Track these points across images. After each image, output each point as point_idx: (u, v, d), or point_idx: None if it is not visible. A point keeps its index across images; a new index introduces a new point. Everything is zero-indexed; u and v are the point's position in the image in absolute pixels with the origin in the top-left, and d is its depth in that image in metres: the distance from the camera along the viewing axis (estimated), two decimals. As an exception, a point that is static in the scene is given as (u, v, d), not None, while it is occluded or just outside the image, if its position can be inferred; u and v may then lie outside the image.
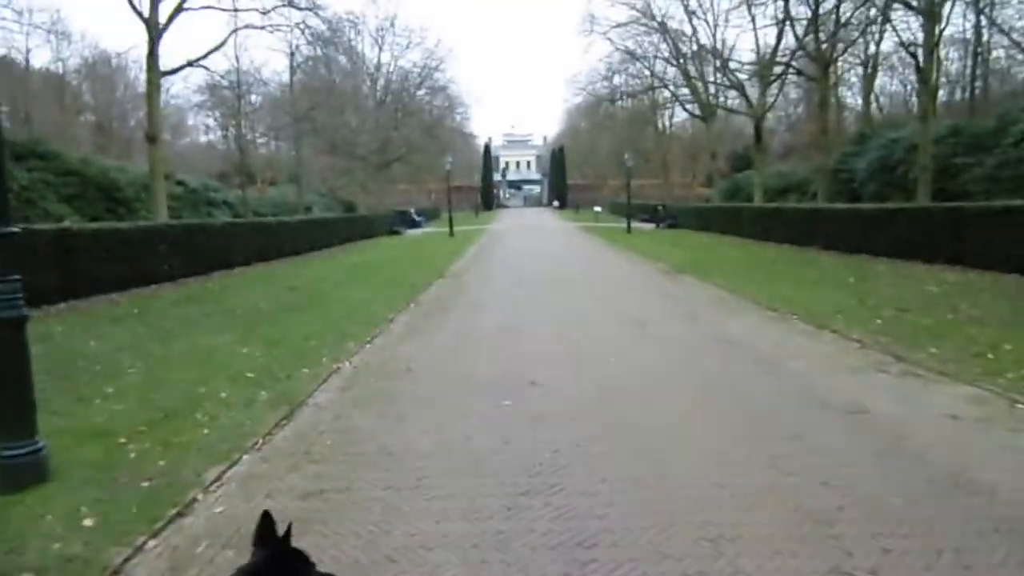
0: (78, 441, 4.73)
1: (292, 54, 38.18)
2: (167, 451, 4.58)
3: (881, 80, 50.25)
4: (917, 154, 25.84)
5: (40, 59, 55.42)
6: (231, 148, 44.29)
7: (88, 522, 3.59)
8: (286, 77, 40.06)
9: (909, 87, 54.21)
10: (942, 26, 24.16)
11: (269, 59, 60.43)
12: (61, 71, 49.66)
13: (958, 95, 45.76)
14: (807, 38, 31.30)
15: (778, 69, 35.59)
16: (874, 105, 50.09)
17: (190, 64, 25.03)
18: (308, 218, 28.85)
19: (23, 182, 18.87)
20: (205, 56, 25.13)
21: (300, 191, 41.00)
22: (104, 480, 4.11)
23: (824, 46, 30.39)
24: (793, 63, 33.62)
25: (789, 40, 36.00)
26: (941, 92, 47.94)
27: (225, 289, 14.15)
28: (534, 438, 4.77)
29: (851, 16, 28.63)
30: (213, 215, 32.30)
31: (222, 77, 30.41)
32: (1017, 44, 31.29)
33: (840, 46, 31.74)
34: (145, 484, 4.05)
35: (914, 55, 23.88)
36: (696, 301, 11.41)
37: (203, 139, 65.37)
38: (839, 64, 36.56)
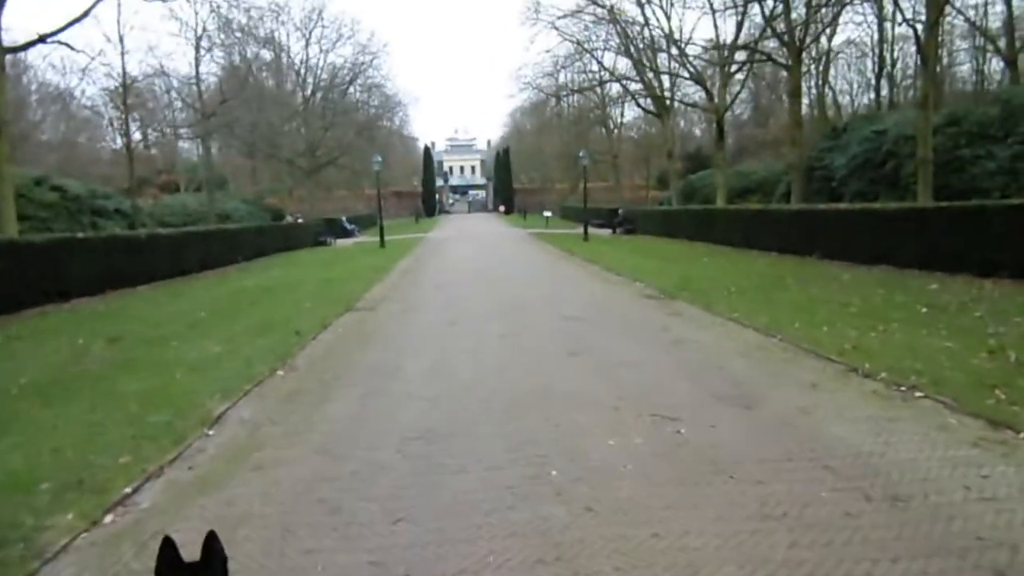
0: None
1: (198, 40, 33.06)
2: None
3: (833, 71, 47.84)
4: (912, 147, 22.88)
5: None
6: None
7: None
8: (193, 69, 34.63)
9: (867, 78, 52.43)
10: (945, -4, 20.99)
11: (174, 49, 54.43)
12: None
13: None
14: (775, 20, 28.04)
15: (742, 56, 32.42)
16: (828, 97, 47.70)
17: (42, 40, 19.94)
18: (196, 230, 23.93)
19: None
20: (63, 30, 20.06)
21: (211, 197, 35.84)
22: None
23: (796, 27, 27.17)
24: (760, 48, 30.36)
25: (752, 27, 33.04)
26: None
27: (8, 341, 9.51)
28: None
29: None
30: (100, 227, 27.20)
31: (106, 65, 25.55)
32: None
33: (814, 27, 28.58)
34: None
35: (914, 28, 20.60)
36: (727, 355, 7.36)
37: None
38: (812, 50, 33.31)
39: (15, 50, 19.37)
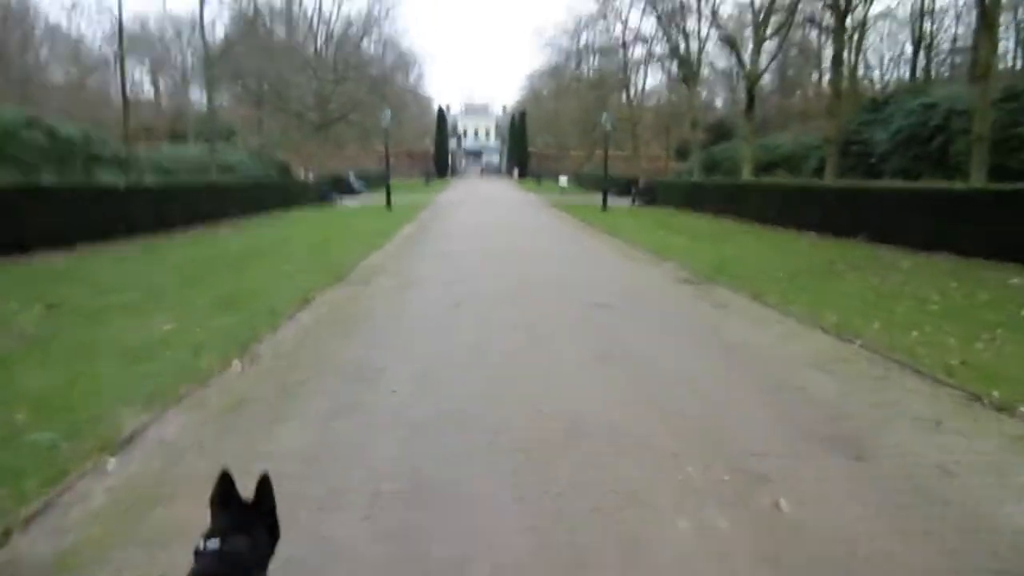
0: None
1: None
2: None
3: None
4: (964, 123, 20.97)
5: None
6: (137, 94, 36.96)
7: None
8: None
9: (898, 52, 49.83)
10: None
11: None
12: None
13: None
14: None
15: (778, 21, 30.20)
16: (861, 69, 45.17)
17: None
18: (184, 183, 22.33)
19: None
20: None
21: (212, 148, 34.14)
22: None
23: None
24: (800, 10, 28.11)
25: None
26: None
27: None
28: None
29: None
30: (93, 175, 25.70)
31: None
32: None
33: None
34: None
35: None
36: (801, 367, 5.78)
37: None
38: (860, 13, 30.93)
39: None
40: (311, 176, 41.31)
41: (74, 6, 35.40)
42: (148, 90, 59.09)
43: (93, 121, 33.97)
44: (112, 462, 3.74)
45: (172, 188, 19.46)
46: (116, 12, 24.92)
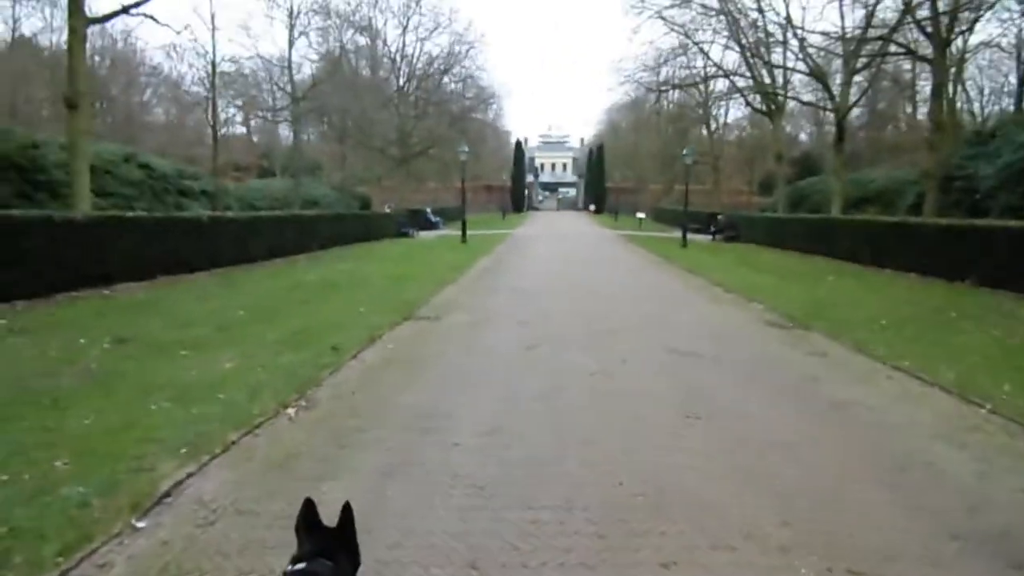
0: None
1: (292, 21, 32.36)
2: None
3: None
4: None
5: None
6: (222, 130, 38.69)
7: None
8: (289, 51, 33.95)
9: (1000, 84, 47.02)
10: None
11: (269, 30, 54.76)
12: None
13: None
14: (917, 3, 24.35)
15: (870, 51, 28.77)
16: (960, 102, 42.61)
17: (125, 11, 19.24)
18: (266, 215, 22.79)
19: None
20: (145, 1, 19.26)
21: (297, 182, 35.27)
22: None
23: (943, 15, 23.49)
24: (896, 39, 26.62)
25: (883, 17, 29.22)
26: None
27: None
28: None
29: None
30: (184, 207, 26.86)
31: (193, 40, 25.03)
32: None
33: (965, 16, 24.71)
34: None
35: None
36: (923, 437, 4.97)
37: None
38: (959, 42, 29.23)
39: (97, 21, 18.71)
40: (389, 208, 42.12)
41: (174, 48, 37.41)
42: (241, 129, 62.07)
43: (188, 157, 35.72)
44: (139, 525, 3.40)
45: (256, 220, 19.90)
46: (210, 53, 26.03)
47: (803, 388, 6.31)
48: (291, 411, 5.36)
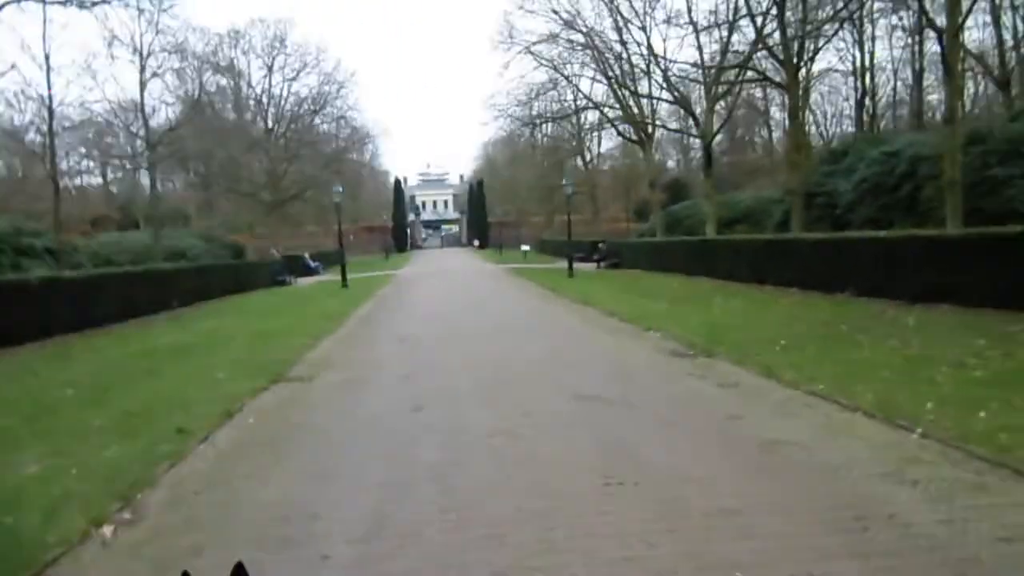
0: None
1: (143, 63, 29.94)
2: None
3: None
4: (930, 168, 20.62)
5: None
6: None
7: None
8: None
9: (839, 108, 51.24)
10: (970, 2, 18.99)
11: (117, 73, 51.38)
12: None
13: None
14: (767, 34, 25.78)
15: (730, 78, 30.18)
16: (809, 124, 45.96)
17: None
18: (114, 271, 20.51)
19: None
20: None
21: (156, 233, 32.49)
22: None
23: (793, 41, 24.93)
24: (751, 66, 28.03)
25: (738, 47, 30.81)
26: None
27: None
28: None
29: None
30: (23, 267, 23.80)
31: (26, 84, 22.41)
32: None
33: (811, 43, 26.38)
34: None
35: (940, 36, 18.28)
36: (867, 478, 4.36)
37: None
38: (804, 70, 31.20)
39: None
40: (276, 252, 39.84)
41: (16, 95, 33.44)
42: (98, 179, 57.28)
43: (33, 213, 32.04)
44: None
45: (100, 279, 17.67)
46: (46, 99, 23.45)
47: (727, 429, 5.66)
48: (107, 530, 4.08)
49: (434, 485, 4.66)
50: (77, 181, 53.36)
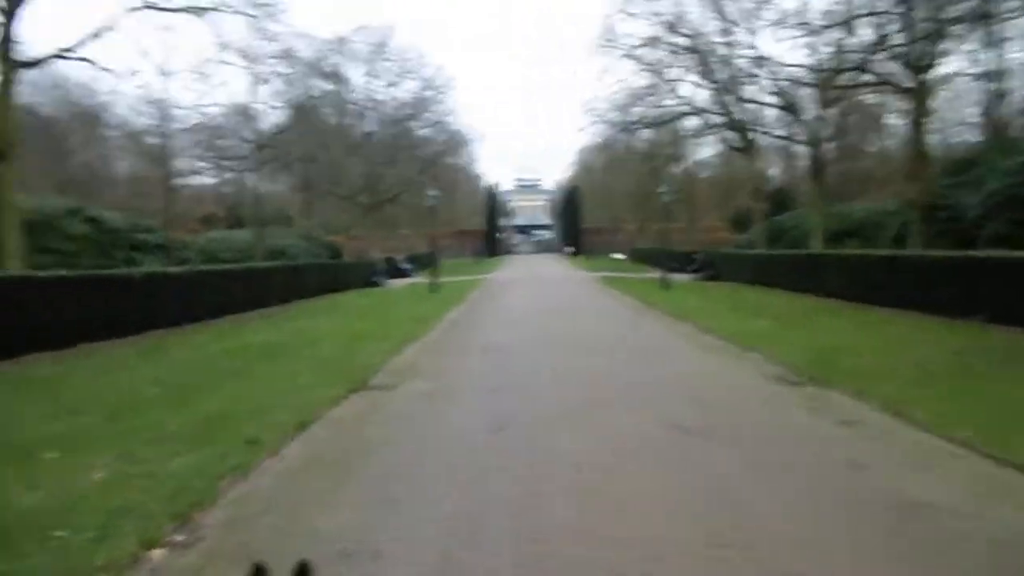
0: None
1: (252, 68, 31.16)
2: None
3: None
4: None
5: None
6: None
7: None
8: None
9: (963, 115, 47.31)
10: None
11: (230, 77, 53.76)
12: None
13: None
14: (888, 36, 23.90)
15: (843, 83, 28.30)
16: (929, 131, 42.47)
17: (60, 55, 17.89)
18: (213, 269, 21.11)
19: None
20: (82, 43, 17.94)
21: (258, 233, 33.76)
22: None
23: (917, 41, 22.96)
24: (870, 69, 26.07)
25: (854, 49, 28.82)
26: None
27: None
28: None
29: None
30: (136, 261, 25.22)
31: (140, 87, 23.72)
32: None
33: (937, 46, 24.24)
34: None
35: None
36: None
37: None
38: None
39: (28, 65, 17.29)
40: (380, 255, 41.03)
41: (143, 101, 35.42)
42: (211, 180, 60.44)
43: (150, 211, 33.96)
44: None
45: (200, 275, 18.26)
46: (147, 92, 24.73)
47: (853, 482, 4.84)
48: (157, 554, 3.80)
49: (508, 525, 4.13)
50: (192, 181, 56.47)
